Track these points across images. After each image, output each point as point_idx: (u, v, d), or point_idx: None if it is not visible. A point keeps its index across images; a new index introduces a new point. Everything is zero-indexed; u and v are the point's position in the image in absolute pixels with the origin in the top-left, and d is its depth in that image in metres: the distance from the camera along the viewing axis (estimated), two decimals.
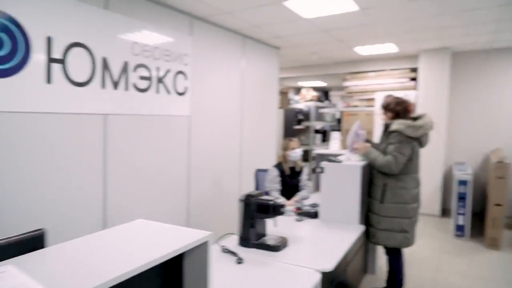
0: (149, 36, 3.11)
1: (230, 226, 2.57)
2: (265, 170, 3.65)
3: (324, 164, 2.90)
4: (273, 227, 2.29)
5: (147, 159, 3.18)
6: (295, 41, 4.90)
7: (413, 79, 5.95)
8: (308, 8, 3.50)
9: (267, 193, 3.32)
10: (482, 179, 5.49)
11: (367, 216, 2.93)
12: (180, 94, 3.47)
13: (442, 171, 5.51)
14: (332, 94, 10.86)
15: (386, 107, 2.90)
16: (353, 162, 2.91)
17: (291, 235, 2.36)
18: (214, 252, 2.08)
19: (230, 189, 4.30)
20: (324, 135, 8.09)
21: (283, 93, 7.40)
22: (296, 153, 3.37)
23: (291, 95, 8.57)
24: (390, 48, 5.33)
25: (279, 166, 3.44)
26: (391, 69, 6.21)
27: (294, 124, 7.17)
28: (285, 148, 3.41)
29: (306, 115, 7.52)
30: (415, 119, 2.78)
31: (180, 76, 3.45)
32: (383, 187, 2.79)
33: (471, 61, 5.63)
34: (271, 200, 2.19)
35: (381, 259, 3.44)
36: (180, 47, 3.42)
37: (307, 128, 7.45)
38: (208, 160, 3.92)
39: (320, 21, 3.95)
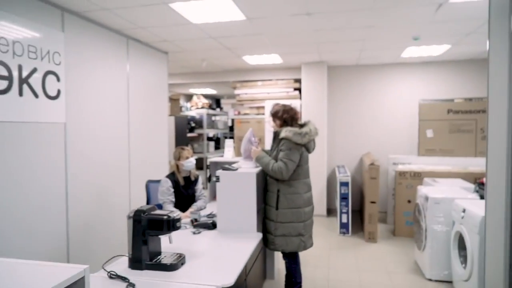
0: (6, 28, 2.57)
1: (121, 247, 2.27)
2: (157, 181, 3.38)
3: (219, 172, 2.81)
4: (169, 243, 2.09)
5: (7, 177, 2.61)
6: (184, 46, 4.74)
7: (297, 89, 6.37)
8: (196, 13, 3.39)
9: (160, 207, 3.07)
10: (358, 180, 6.16)
11: (264, 223, 2.93)
12: (52, 98, 2.97)
13: (326, 174, 5.99)
14: (224, 102, 10.98)
15: (275, 115, 2.95)
16: (248, 170, 2.89)
17: (189, 250, 2.20)
18: (100, 280, 1.78)
19: (119, 205, 3.86)
20: (218, 142, 8.09)
21: (174, 100, 7.12)
22: (190, 162, 3.20)
23: (182, 102, 8.35)
24: (275, 59, 5.59)
25: (172, 176, 3.21)
26: (277, 79, 6.53)
27: (186, 132, 6.97)
28: (178, 158, 3.21)
29: (199, 123, 7.40)
30: (301, 126, 2.89)
31: (51, 77, 2.96)
32: (277, 193, 2.82)
33: (344, 75, 6.32)
34: (165, 215, 1.99)
35: (279, 263, 3.51)
36: (49, 44, 2.93)
37: (200, 135, 7.33)
38: (90, 174, 3.44)
39: (208, 28, 3.88)
